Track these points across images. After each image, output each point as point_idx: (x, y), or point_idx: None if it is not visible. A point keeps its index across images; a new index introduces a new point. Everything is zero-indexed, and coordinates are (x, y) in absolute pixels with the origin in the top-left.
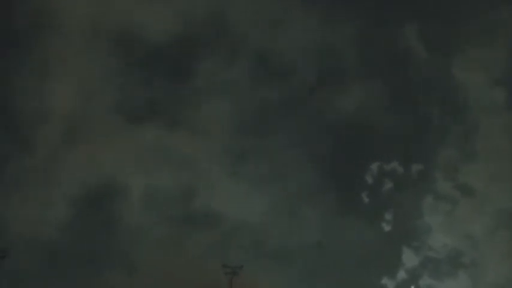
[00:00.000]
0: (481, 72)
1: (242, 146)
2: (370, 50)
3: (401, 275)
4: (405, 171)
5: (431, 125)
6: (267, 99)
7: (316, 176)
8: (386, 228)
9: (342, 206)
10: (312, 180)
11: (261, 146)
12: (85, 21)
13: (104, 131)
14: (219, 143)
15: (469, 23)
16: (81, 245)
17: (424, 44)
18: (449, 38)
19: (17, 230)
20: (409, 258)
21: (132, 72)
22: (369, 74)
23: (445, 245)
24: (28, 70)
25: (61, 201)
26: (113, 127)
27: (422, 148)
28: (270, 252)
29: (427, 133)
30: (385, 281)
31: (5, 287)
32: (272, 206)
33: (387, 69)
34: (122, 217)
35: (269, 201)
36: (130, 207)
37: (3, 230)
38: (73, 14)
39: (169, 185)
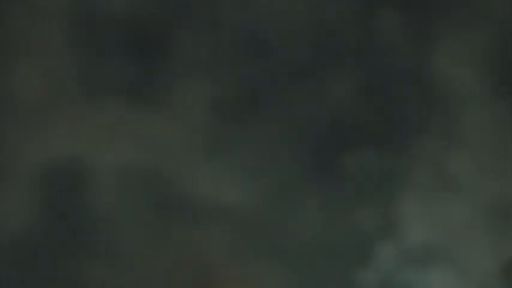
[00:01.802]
0: (462, 59)
1: (223, 129)
2: (345, 37)
3: (376, 269)
4: (381, 161)
5: (407, 112)
6: (252, 79)
7: (296, 166)
8: (362, 221)
9: (318, 199)
10: (292, 171)
11: (244, 130)
12: None
13: (67, 112)
14: (197, 125)
15: (450, 9)
16: (51, 239)
17: (402, 31)
18: (429, 25)
19: None
20: (384, 252)
21: (98, 48)
22: (343, 62)
23: (423, 238)
24: None
25: (24, 192)
26: (76, 108)
27: (400, 138)
28: (252, 244)
29: (405, 123)
30: (359, 276)
31: None
32: (256, 195)
33: (363, 57)
34: (92, 204)
35: (253, 190)
36: (101, 192)
37: None
38: None
39: (141, 169)
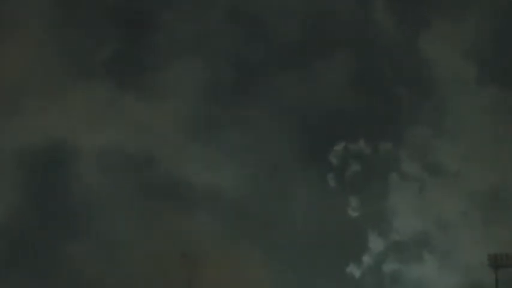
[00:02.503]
0: (449, 45)
1: (211, 112)
2: (335, 23)
3: (367, 260)
4: (372, 151)
5: (398, 102)
6: (242, 61)
7: (288, 153)
8: (353, 213)
9: (310, 188)
10: (284, 158)
11: (233, 113)
12: None
13: (54, 92)
14: (184, 107)
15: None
16: (34, 221)
17: (391, 16)
18: (417, 9)
19: None
20: (376, 243)
21: (86, 27)
22: (333, 49)
23: (413, 228)
24: None
25: (6, 176)
26: (59, 89)
27: (390, 126)
28: (242, 231)
29: (395, 110)
30: (351, 267)
31: None
32: (243, 179)
33: (352, 43)
34: (75, 186)
35: (240, 173)
36: (85, 173)
37: None
38: None
39: (126, 151)
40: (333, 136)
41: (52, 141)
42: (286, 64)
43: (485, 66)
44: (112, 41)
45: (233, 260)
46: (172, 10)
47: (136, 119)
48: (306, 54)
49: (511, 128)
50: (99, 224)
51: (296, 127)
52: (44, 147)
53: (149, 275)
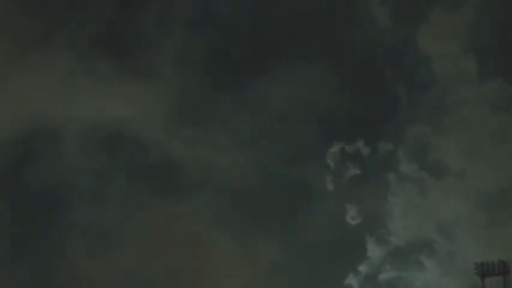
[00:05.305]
0: (448, 39)
1: (206, 92)
2: (332, 20)
3: (366, 268)
4: (371, 151)
5: (397, 100)
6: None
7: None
8: (352, 221)
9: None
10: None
11: (229, 96)
12: None
13: (28, 70)
14: (175, 85)
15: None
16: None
17: (387, 11)
18: (414, 3)
19: None
20: (375, 250)
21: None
22: (328, 46)
23: (414, 232)
24: None
25: None
26: (37, 65)
27: (389, 125)
28: (240, 217)
29: (394, 108)
30: (349, 279)
31: None
32: (240, 167)
33: (348, 40)
34: (60, 171)
35: (241, 159)
36: (69, 158)
37: None
38: None
39: (113, 131)
40: (329, 136)
41: (32, 122)
42: (282, 62)
43: (486, 59)
44: (103, 12)
45: (230, 248)
46: None
47: (129, 100)
48: (299, 54)
49: None
50: (86, 213)
51: (294, 124)
52: (22, 131)
53: (140, 268)
